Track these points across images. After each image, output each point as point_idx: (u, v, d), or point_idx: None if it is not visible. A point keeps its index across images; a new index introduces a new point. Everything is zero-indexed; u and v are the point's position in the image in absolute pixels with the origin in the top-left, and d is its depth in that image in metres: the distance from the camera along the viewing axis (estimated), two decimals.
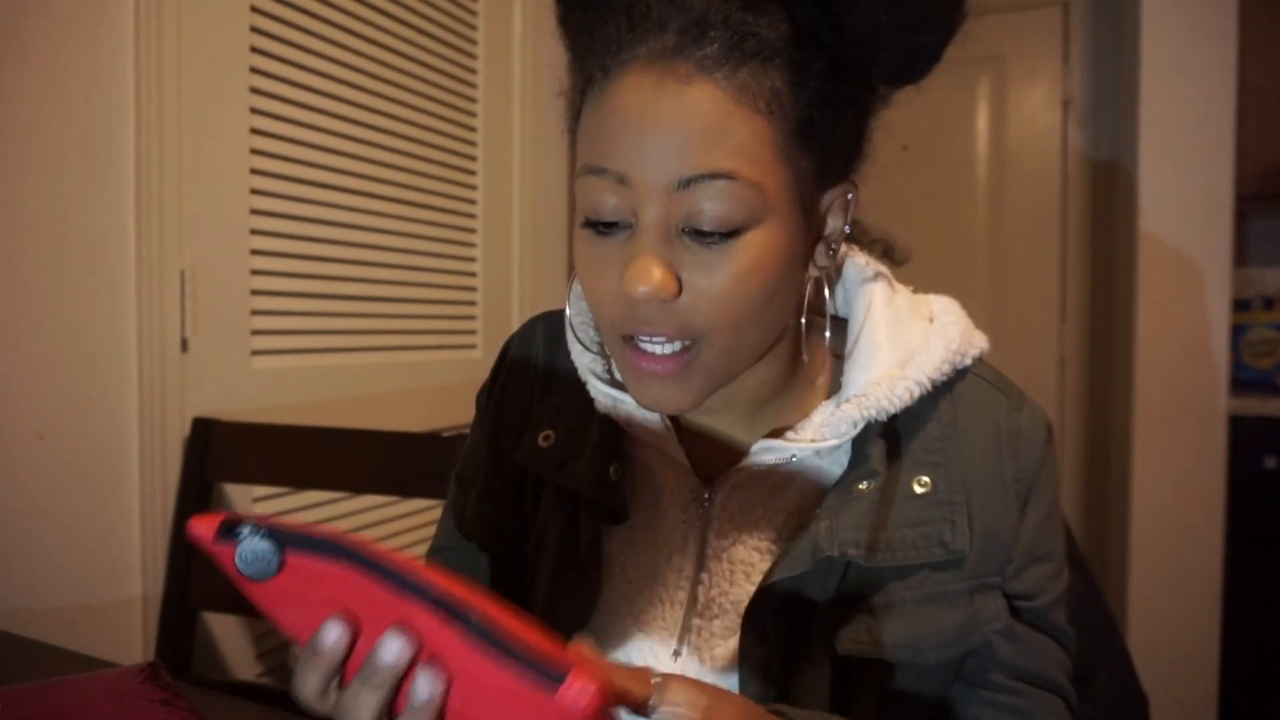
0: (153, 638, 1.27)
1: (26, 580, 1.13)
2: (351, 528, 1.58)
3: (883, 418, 0.56)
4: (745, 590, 0.57)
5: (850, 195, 0.56)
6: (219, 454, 1.30)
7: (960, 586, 0.55)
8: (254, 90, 1.42)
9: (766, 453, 0.58)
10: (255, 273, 1.43)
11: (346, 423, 1.42)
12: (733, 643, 0.55)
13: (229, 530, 0.38)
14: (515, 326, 0.72)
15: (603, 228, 0.52)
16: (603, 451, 0.60)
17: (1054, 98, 2.62)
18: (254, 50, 1.41)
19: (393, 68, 1.71)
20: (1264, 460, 2.00)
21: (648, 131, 0.48)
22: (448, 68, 1.87)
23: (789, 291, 0.54)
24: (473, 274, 1.98)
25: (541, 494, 0.64)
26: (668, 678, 0.41)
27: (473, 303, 1.98)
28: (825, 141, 0.52)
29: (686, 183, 0.48)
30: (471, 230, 1.97)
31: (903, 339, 0.58)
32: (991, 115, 2.70)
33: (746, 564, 0.58)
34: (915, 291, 0.64)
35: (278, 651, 1.48)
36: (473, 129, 1.96)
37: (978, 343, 0.60)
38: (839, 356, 0.61)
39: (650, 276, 0.48)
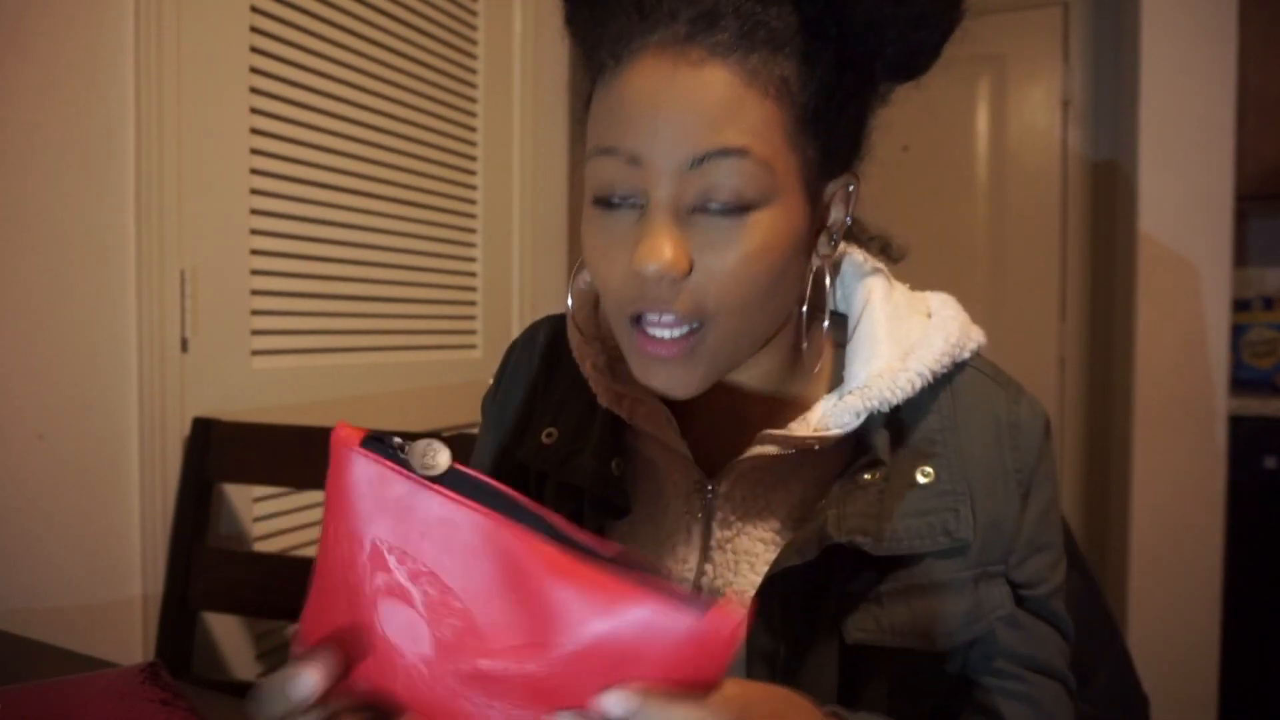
0: (153, 638, 1.27)
1: (26, 580, 1.13)
2: None
3: (885, 409, 0.57)
4: (750, 580, 0.57)
5: (852, 187, 0.57)
6: (219, 454, 1.30)
7: (965, 575, 0.56)
8: (254, 90, 1.42)
9: (769, 444, 0.58)
10: (255, 273, 1.43)
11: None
12: None
13: (373, 441, 0.39)
14: (515, 326, 0.73)
15: (613, 207, 0.52)
16: (605, 446, 0.60)
17: (1054, 98, 2.62)
18: (254, 50, 1.41)
19: (393, 68, 1.71)
20: (1264, 460, 2.00)
21: (661, 111, 0.49)
22: (448, 68, 1.87)
23: (794, 277, 0.55)
24: (473, 274, 1.98)
25: (545, 491, 0.64)
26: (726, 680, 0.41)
27: (473, 303, 1.98)
28: (830, 132, 0.53)
29: (700, 160, 0.48)
30: (471, 230, 1.97)
31: (902, 333, 0.59)
32: (991, 115, 2.70)
33: (750, 554, 0.58)
34: (913, 289, 0.65)
35: (278, 651, 1.48)
36: (473, 129, 1.96)
37: (975, 336, 0.61)
38: (839, 348, 0.62)
39: (662, 253, 0.49)
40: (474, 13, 1.95)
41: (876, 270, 0.64)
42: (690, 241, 0.50)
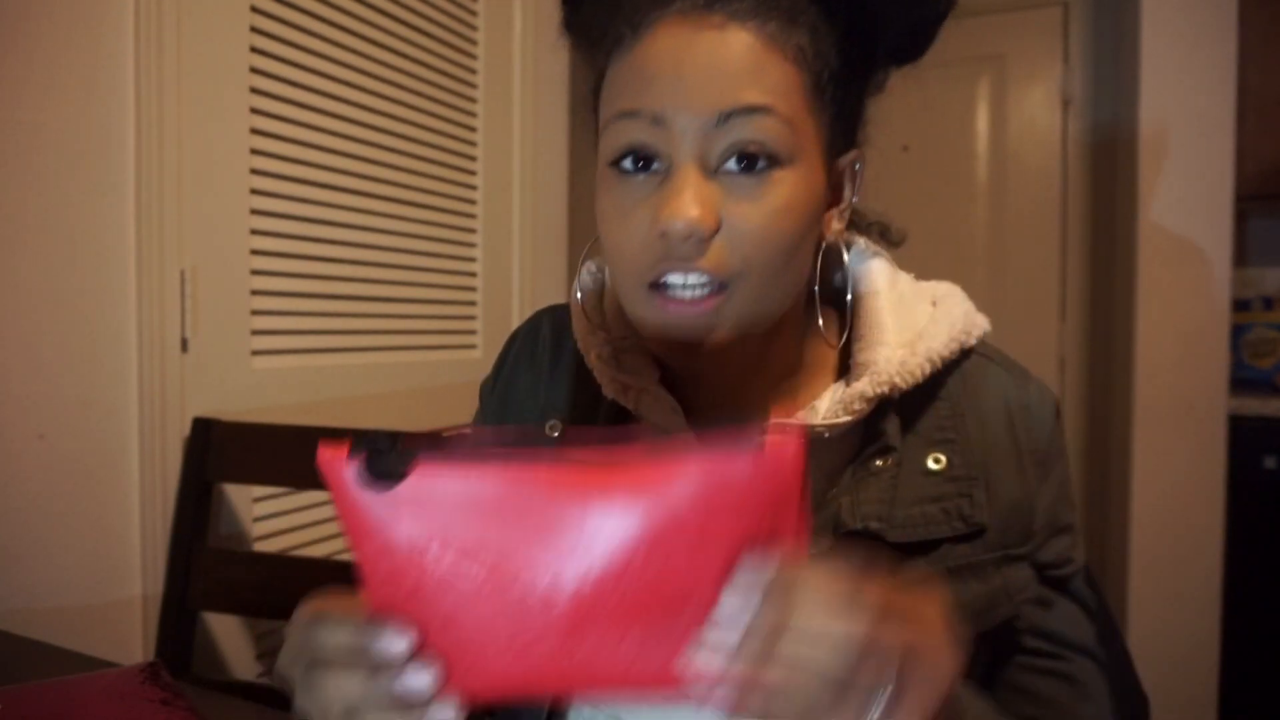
0: (153, 638, 1.27)
1: (26, 580, 1.13)
2: None
3: (896, 395, 0.56)
4: None
5: (859, 165, 0.58)
6: (219, 454, 1.30)
7: (986, 558, 0.56)
8: (254, 91, 1.42)
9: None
10: (255, 273, 1.43)
11: (346, 423, 1.42)
12: None
13: (357, 446, 0.38)
14: (515, 326, 0.72)
15: (633, 173, 0.52)
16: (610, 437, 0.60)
17: (1054, 97, 2.62)
18: (254, 51, 1.41)
19: (393, 68, 1.71)
20: (1264, 460, 2.00)
21: (685, 70, 0.49)
22: (448, 68, 1.87)
23: (809, 249, 0.55)
24: (473, 274, 1.98)
25: None
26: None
27: (473, 303, 1.98)
28: (838, 108, 0.54)
29: (725, 117, 0.49)
30: (471, 230, 1.97)
31: (908, 321, 0.59)
32: (991, 115, 2.70)
33: None
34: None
35: (278, 652, 1.48)
36: (473, 129, 1.96)
37: (981, 324, 0.61)
38: (843, 334, 0.62)
39: (689, 210, 0.48)
40: (474, 13, 1.95)
41: (878, 256, 0.64)
42: (716, 200, 0.50)
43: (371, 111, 1.66)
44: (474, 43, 1.95)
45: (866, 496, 0.54)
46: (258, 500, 1.43)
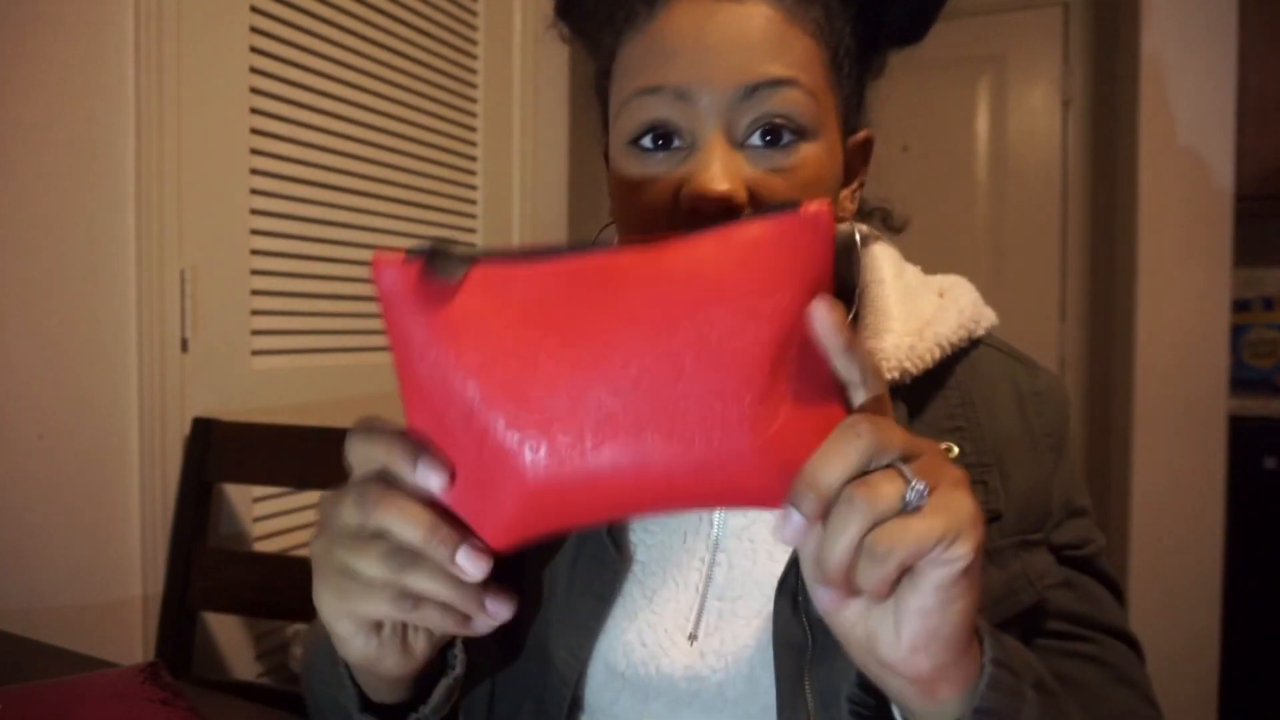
0: (153, 638, 1.27)
1: (26, 580, 1.13)
2: None
3: (906, 380, 0.55)
4: (770, 570, 0.54)
5: (870, 144, 0.57)
6: (219, 454, 1.30)
7: (1004, 543, 0.55)
8: (254, 91, 1.42)
9: None
10: (255, 273, 1.43)
11: (347, 423, 1.42)
12: (757, 622, 0.53)
13: (414, 252, 0.38)
14: None
15: (653, 151, 0.50)
16: None
17: (1054, 98, 2.62)
18: (254, 50, 1.41)
19: (393, 68, 1.71)
20: (1264, 461, 2.00)
21: (709, 43, 0.48)
22: (448, 67, 1.87)
23: None
24: None
25: None
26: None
27: None
28: (852, 84, 0.53)
29: (751, 90, 0.48)
30: (472, 231, 1.97)
31: (914, 309, 0.58)
32: (991, 115, 2.70)
33: (770, 542, 0.55)
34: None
35: (278, 652, 1.48)
36: (473, 129, 1.96)
37: (989, 315, 0.60)
38: (852, 323, 0.61)
39: (721, 183, 0.47)
40: (474, 13, 1.95)
41: (880, 242, 0.63)
42: (744, 174, 0.48)
43: (371, 112, 1.66)
44: (474, 43, 1.95)
45: None
46: (258, 500, 1.43)
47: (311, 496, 1.50)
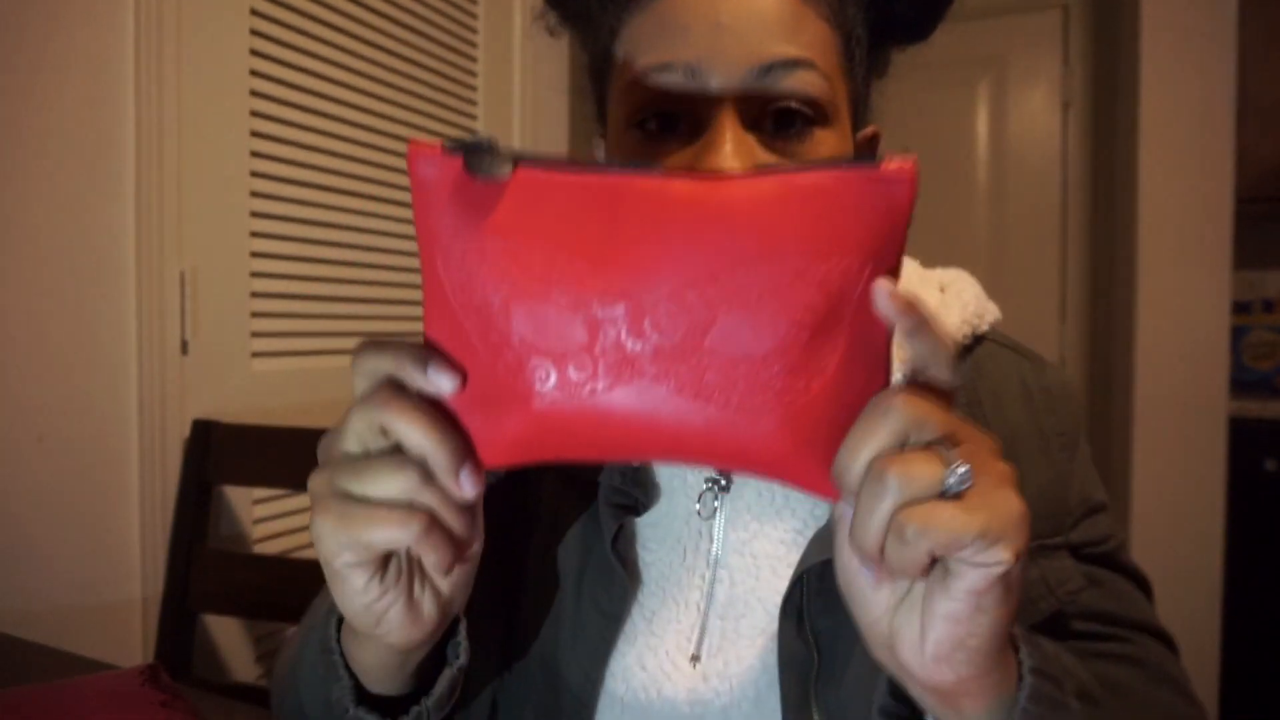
0: (152, 639, 1.26)
1: (26, 581, 1.13)
2: None
3: (905, 380, 0.54)
4: (773, 585, 0.52)
5: (878, 140, 0.56)
6: (219, 456, 1.29)
7: None
8: (254, 91, 1.42)
9: None
10: (255, 274, 1.43)
11: None
12: (761, 641, 0.51)
13: (453, 144, 0.35)
14: None
15: (657, 133, 0.48)
16: None
17: (1054, 100, 2.62)
18: (254, 51, 1.41)
19: (393, 68, 1.71)
20: (1264, 463, 2.00)
21: (722, 20, 0.46)
22: (448, 68, 1.87)
23: None
24: None
25: (543, 486, 0.59)
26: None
27: None
28: (860, 77, 0.52)
29: (766, 69, 0.46)
30: None
31: None
32: (991, 117, 2.70)
33: (773, 557, 0.53)
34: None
35: (278, 653, 1.48)
36: (473, 130, 1.96)
37: (993, 310, 0.59)
38: None
39: (732, 163, 0.45)
40: (474, 14, 1.95)
41: None
42: (757, 155, 0.46)
43: (371, 113, 1.66)
44: (474, 44, 1.96)
45: None
46: (258, 502, 1.43)
47: None
